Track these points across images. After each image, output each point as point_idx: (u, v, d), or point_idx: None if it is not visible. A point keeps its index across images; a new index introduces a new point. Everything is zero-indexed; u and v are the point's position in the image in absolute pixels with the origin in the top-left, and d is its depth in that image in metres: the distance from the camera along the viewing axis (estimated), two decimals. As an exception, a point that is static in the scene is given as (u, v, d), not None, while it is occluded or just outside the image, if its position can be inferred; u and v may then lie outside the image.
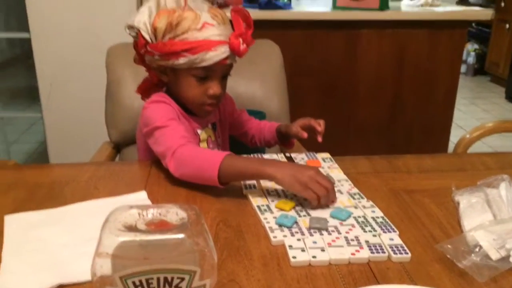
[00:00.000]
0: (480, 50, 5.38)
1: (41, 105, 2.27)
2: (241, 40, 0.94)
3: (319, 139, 1.05)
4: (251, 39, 0.98)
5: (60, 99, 2.25)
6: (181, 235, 0.43)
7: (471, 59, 5.36)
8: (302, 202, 0.84)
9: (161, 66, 1.00)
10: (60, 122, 2.28)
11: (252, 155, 1.05)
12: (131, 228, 0.44)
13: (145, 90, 1.09)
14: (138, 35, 0.98)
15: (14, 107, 3.84)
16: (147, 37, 0.96)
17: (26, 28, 2.17)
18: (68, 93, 2.24)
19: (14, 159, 1.92)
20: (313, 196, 0.80)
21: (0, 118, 2.53)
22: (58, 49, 2.18)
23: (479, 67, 5.34)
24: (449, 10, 2.46)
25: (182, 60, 0.94)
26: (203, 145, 1.08)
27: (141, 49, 0.99)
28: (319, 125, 1.06)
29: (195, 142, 1.04)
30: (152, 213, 0.46)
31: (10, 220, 0.78)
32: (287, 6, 2.41)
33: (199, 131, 1.07)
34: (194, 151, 0.90)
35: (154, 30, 0.95)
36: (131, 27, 0.98)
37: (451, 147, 2.69)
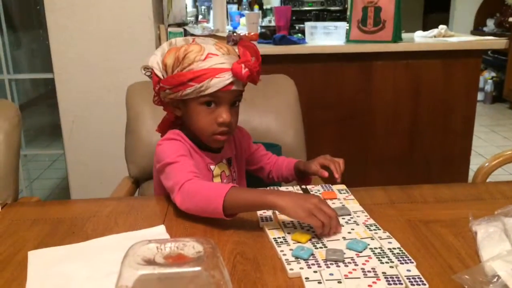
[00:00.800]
0: (497, 77, 5.36)
1: (63, 142, 2.33)
2: (243, 65, 0.97)
3: (338, 179, 1.07)
4: (258, 69, 1.00)
5: (81, 136, 2.31)
6: (197, 268, 0.44)
7: (488, 87, 5.34)
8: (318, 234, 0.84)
9: (173, 100, 1.05)
10: (82, 158, 2.34)
11: (268, 188, 1.07)
12: (150, 262, 0.45)
13: (164, 129, 1.13)
14: (152, 74, 1.04)
15: (37, 144, 3.95)
16: (159, 74, 1.03)
17: (48, 69, 2.26)
18: (89, 130, 2.31)
19: (37, 195, 1.97)
20: (317, 223, 0.81)
21: (24, 155, 2.59)
22: (80, 88, 2.26)
23: (497, 95, 5.31)
24: (463, 40, 2.47)
25: (189, 90, 0.99)
26: (217, 180, 1.11)
27: (155, 87, 1.05)
28: (337, 168, 1.07)
29: (205, 177, 1.07)
30: (170, 247, 0.48)
31: (33, 256, 0.80)
32: (302, 41, 2.46)
33: (212, 167, 1.10)
34: (200, 185, 0.93)
35: (165, 67, 1.01)
36: (146, 68, 1.06)
37: (471, 175, 2.66)
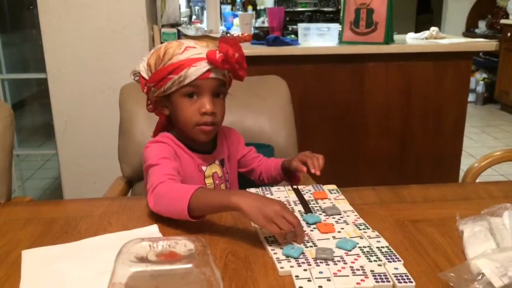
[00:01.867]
0: (489, 79, 5.41)
1: (56, 142, 2.33)
2: (217, 51, 0.99)
3: (317, 173, 1.06)
4: (240, 60, 1.01)
5: (74, 136, 2.31)
6: (189, 265, 0.45)
7: (480, 88, 5.38)
8: (309, 234, 0.86)
9: (159, 99, 1.07)
10: (75, 158, 2.34)
11: (260, 188, 1.08)
12: (143, 259, 0.47)
13: (157, 133, 1.15)
14: (140, 78, 1.08)
15: (29, 144, 3.94)
16: (145, 75, 1.07)
17: (41, 69, 2.26)
18: (82, 130, 2.31)
19: (29, 195, 1.97)
20: (277, 231, 0.80)
21: (16, 155, 2.59)
22: (73, 88, 2.26)
23: (489, 96, 5.36)
24: (454, 42, 2.50)
25: (170, 83, 1.02)
26: (209, 181, 1.12)
27: (143, 89, 1.08)
28: (315, 163, 1.07)
29: (196, 179, 1.08)
30: (162, 245, 0.49)
31: (27, 255, 0.81)
32: (295, 42, 2.48)
33: (203, 168, 1.11)
34: (169, 187, 0.94)
35: (149, 67, 1.06)
36: (134, 73, 1.10)
37: (462, 176, 2.69)
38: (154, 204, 0.93)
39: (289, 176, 1.22)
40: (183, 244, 0.48)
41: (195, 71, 1.00)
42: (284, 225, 0.80)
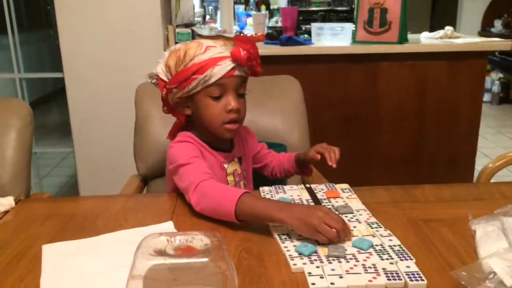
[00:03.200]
0: (504, 78, 5.35)
1: (73, 140, 2.37)
2: (241, 49, 1.01)
3: (333, 165, 1.08)
4: (257, 57, 1.04)
5: (90, 134, 2.35)
6: (205, 259, 0.47)
7: (495, 88, 5.33)
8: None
9: (181, 100, 1.08)
10: (91, 156, 2.38)
11: (273, 186, 1.09)
12: (161, 253, 0.48)
13: (175, 134, 1.15)
14: (158, 81, 1.09)
15: (46, 142, 4.00)
16: (164, 78, 1.07)
17: (58, 69, 2.30)
18: (98, 128, 2.34)
19: (47, 192, 2.00)
20: (323, 240, 0.81)
21: (34, 153, 2.64)
22: (89, 87, 2.29)
23: (504, 96, 5.30)
24: (469, 41, 2.48)
25: (194, 83, 1.03)
26: (230, 178, 1.14)
27: (162, 91, 1.09)
28: (331, 156, 1.09)
29: (219, 176, 1.10)
30: (179, 239, 0.51)
31: (47, 249, 0.83)
32: (308, 42, 2.49)
33: (225, 166, 1.13)
34: (215, 186, 0.95)
35: (168, 69, 1.06)
36: (151, 76, 1.10)
37: (476, 175, 2.67)
38: (197, 202, 0.95)
39: (302, 169, 1.24)
40: (199, 239, 0.50)
41: (220, 70, 1.01)
42: (329, 233, 0.81)
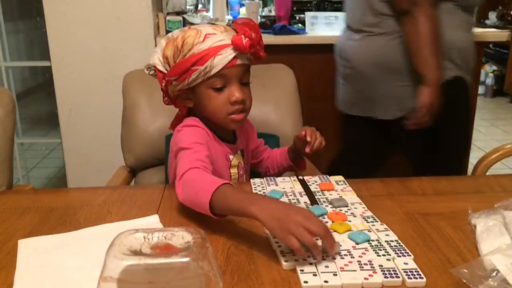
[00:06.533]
0: (498, 71, 5.33)
1: (60, 131, 2.31)
2: (243, 36, 0.94)
3: (307, 150, 1.03)
4: (260, 41, 0.98)
5: (78, 124, 2.29)
6: (185, 259, 0.43)
7: (489, 81, 5.31)
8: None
9: (182, 92, 1.02)
10: (79, 147, 2.32)
11: (264, 178, 1.05)
12: (136, 252, 0.44)
13: (177, 125, 1.09)
14: (156, 72, 1.02)
15: (35, 133, 3.93)
16: (162, 69, 1.01)
17: (48, 57, 2.24)
18: (86, 119, 2.28)
19: (34, 184, 1.95)
20: (294, 246, 0.69)
21: (20, 144, 2.58)
22: (77, 76, 2.23)
23: (498, 88, 5.28)
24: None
25: (194, 75, 0.96)
26: (234, 170, 1.09)
27: (161, 83, 1.03)
28: (312, 138, 1.04)
29: (222, 167, 1.05)
30: (158, 236, 0.46)
31: (23, 244, 0.78)
32: (302, 31, 2.44)
33: (231, 157, 1.08)
34: (199, 175, 0.87)
35: (166, 59, 1.00)
36: (148, 67, 1.03)
37: (470, 169, 2.64)
38: (181, 191, 0.87)
39: (295, 161, 1.20)
40: (180, 236, 0.45)
41: (221, 60, 0.95)
42: (306, 238, 0.68)
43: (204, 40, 0.95)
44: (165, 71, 1.01)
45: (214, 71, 0.96)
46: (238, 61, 0.97)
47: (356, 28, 1.68)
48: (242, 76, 1.00)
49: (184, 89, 1.01)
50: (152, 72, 1.04)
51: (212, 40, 0.95)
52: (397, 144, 1.79)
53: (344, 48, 1.76)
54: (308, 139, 1.03)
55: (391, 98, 1.63)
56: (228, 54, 0.95)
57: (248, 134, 1.19)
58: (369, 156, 1.82)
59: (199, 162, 0.91)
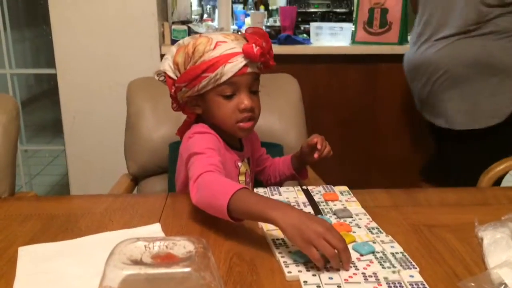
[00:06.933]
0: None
1: (64, 138, 2.31)
2: (253, 44, 0.94)
3: (315, 155, 1.06)
4: (270, 50, 0.98)
5: (82, 132, 2.29)
6: (187, 269, 0.41)
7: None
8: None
9: (191, 98, 1.02)
10: (82, 155, 2.32)
11: (268, 188, 1.04)
12: (137, 262, 0.43)
13: (184, 131, 1.08)
14: (165, 78, 1.02)
15: (39, 140, 3.94)
16: (172, 75, 1.01)
17: (53, 65, 2.24)
18: (90, 126, 2.28)
19: (37, 191, 1.94)
20: (315, 256, 0.69)
21: (24, 150, 2.58)
22: (82, 84, 2.24)
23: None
24: (470, 43, 2.43)
25: (204, 81, 0.96)
26: (242, 178, 1.09)
27: (171, 90, 1.03)
28: (322, 146, 1.07)
29: (231, 174, 1.04)
30: (159, 245, 0.45)
31: (24, 252, 0.77)
32: (306, 41, 2.44)
33: (239, 164, 1.08)
34: (216, 178, 0.86)
35: (177, 66, 1.00)
36: (158, 74, 1.04)
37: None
38: (195, 194, 0.86)
39: (298, 170, 1.19)
40: (182, 245, 0.44)
41: (231, 68, 0.95)
42: (326, 250, 0.69)
43: (215, 47, 0.96)
44: (175, 78, 1.01)
45: (224, 78, 0.96)
46: (248, 69, 0.97)
47: (449, 33, 1.64)
48: (252, 84, 1.00)
49: (194, 96, 1.01)
50: (162, 78, 1.04)
51: (223, 48, 0.95)
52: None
53: (427, 59, 1.73)
54: (319, 146, 1.06)
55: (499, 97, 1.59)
56: (238, 62, 0.95)
57: (253, 142, 1.19)
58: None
59: (213, 166, 0.90)
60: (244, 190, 0.80)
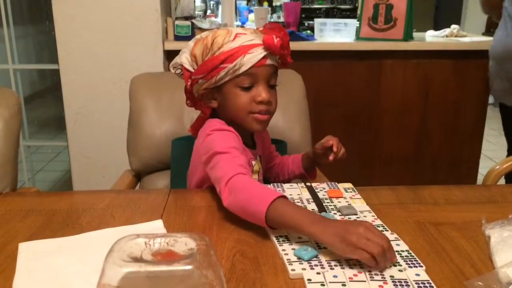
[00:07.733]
0: (508, 81, 5.28)
1: (67, 134, 2.31)
2: (274, 36, 0.93)
3: (330, 157, 1.06)
4: (288, 44, 0.98)
5: (85, 128, 2.28)
6: (188, 267, 0.40)
7: (499, 90, 5.25)
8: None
9: (207, 91, 1.01)
10: (85, 151, 2.31)
11: (271, 185, 1.03)
12: (137, 259, 0.42)
13: (198, 128, 1.07)
14: (182, 71, 1.01)
15: (42, 136, 3.93)
16: (190, 68, 1.00)
17: (56, 61, 2.23)
18: (93, 122, 2.28)
19: (39, 187, 1.94)
20: (366, 257, 0.68)
21: (27, 146, 2.57)
22: (85, 80, 2.23)
23: (508, 98, 5.22)
24: (476, 40, 2.42)
25: (223, 72, 0.95)
26: (255, 176, 1.07)
27: (187, 82, 1.01)
28: (338, 148, 1.07)
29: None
30: (159, 242, 0.44)
31: (24, 248, 0.77)
32: (310, 37, 2.42)
33: (253, 162, 1.06)
34: (250, 183, 0.85)
35: (194, 58, 0.99)
36: (175, 66, 1.02)
37: (480, 179, 2.61)
38: (227, 196, 0.84)
39: (308, 170, 1.19)
40: (183, 242, 0.43)
41: (251, 58, 0.94)
42: (373, 248, 0.68)
43: (234, 38, 0.95)
44: (192, 70, 1.00)
45: (243, 69, 0.94)
46: (268, 61, 0.96)
47: None
48: (270, 78, 0.99)
49: (210, 88, 1.00)
50: (178, 71, 1.03)
51: (243, 39, 0.95)
52: None
53: None
54: (335, 149, 1.06)
55: None
56: (258, 53, 0.94)
57: (264, 140, 1.18)
58: None
59: (244, 168, 0.88)
60: (281, 200, 0.79)
